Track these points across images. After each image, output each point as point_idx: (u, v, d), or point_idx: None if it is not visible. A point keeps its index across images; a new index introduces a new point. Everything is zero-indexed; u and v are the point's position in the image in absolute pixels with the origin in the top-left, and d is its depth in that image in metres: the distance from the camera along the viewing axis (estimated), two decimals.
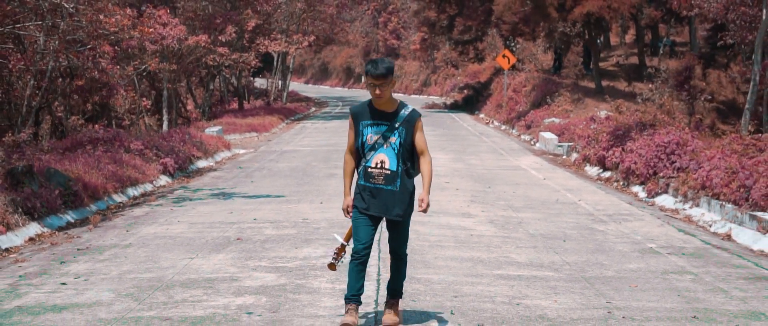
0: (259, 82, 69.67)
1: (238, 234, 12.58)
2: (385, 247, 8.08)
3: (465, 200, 16.41)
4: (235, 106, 49.89)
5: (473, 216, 14.56)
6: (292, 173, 21.19)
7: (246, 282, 9.41)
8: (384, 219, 7.53)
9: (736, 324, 7.99)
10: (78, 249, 11.67)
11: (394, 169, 7.44)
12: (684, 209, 15.99)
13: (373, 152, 7.46)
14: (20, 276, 10.00)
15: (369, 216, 7.48)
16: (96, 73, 25.55)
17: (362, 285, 7.51)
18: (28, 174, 14.59)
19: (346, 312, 7.44)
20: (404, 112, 7.50)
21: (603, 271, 10.29)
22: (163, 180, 20.22)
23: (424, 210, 7.42)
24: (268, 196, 16.92)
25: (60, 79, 25.82)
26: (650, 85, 32.10)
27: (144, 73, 33.42)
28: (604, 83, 38.32)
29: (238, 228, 13.08)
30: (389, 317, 7.62)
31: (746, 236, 13.14)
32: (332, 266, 7.82)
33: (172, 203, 16.37)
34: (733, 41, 28.19)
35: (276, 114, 44.67)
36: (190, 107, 44.61)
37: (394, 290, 7.74)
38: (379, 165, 7.44)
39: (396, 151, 7.44)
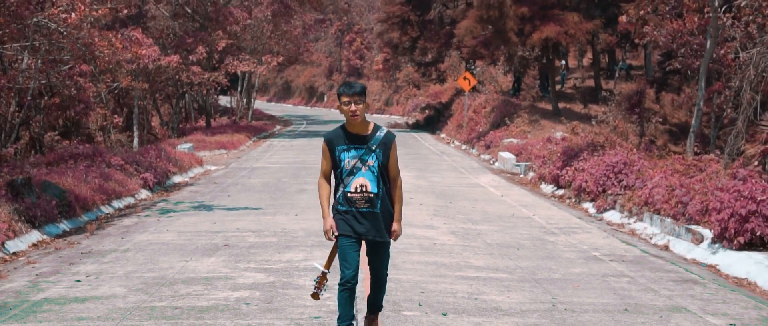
0: (224, 100, 70.83)
1: (225, 241, 13.92)
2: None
3: (428, 214, 17.80)
4: (201, 123, 51.04)
5: (436, 227, 15.97)
6: (265, 188, 22.48)
7: (239, 280, 10.77)
8: (364, 242, 7.60)
9: (660, 315, 9.45)
10: (82, 253, 12.96)
11: (376, 191, 7.45)
12: (629, 223, 17.47)
13: (351, 177, 7.45)
14: (36, 275, 11.30)
15: (354, 239, 7.49)
16: (74, 90, 26.74)
17: (354, 314, 7.59)
18: (27, 186, 15.85)
19: None
20: (380, 135, 7.52)
21: (551, 274, 11.73)
22: (144, 193, 21.45)
23: (395, 239, 7.64)
24: (246, 208, 18.24)
25: (42, 98, 26.95)
26: (604, 108, 33.62)
27: (116, 91, 34.56)
28: (561, 105, 39.93)
29: (224, 236, 14.42)
30: None
31: (682, 247, 14.62)
32: (315, 295, 7.63)
33: (158, 214, 17.66)
34: (680, 67, 29.82)
35: (243, 132, 45.85)
36: (154, 124, 45.71)
37: (374, 305, 7.87)
38: (359, 190, 7.42)
39: (375, 174, 7.45)
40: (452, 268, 11.94)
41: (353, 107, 7.37)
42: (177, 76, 38.36)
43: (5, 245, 13.19)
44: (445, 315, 9.17)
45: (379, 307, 7.91)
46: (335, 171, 7.58)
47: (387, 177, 7.57)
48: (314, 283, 7.71)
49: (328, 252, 7.85)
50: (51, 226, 15.36)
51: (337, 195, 7.56)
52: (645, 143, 27.69)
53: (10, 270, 11.78)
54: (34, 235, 14.47)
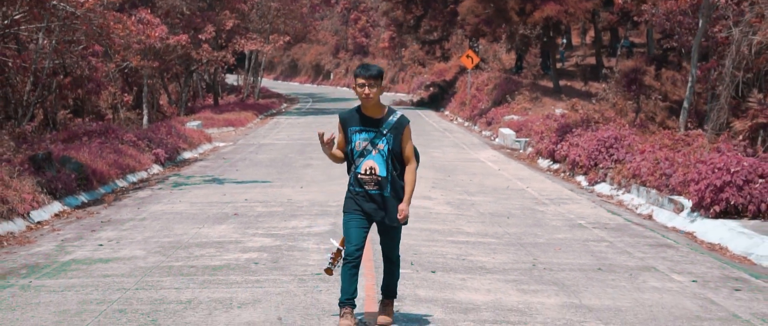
0: (231, 79, 71.75)
1: (234, 211, 14.91)
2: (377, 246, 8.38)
3: (427, 186, 18.74)
4: (209, 101, 52.01)
5: (433, 198, 16.92)
6: (272, 163, 23.45)
7: (248, 244, 11.77)
8: (375, 223, 7.64)
9: (630, 273, 10.40)
10: (102, 222, 13.97)
11: (385, 175, 7.49)
12: (618, 195, 18.39)
13: (362, 159, 7.50)
14: (62, 240, 12.31)
15: (361, 217, 7.54)
16: (87, 70, 27.69)
17: (356, 289, 7.57)
18: (48, 161, 16.83)
19: (342, 315, 7.52)
20: (392, 119, 7.53)
21: (536, 239, 12.68)
22: (156, 168, 22.44)
23: (402, 219, 7.57)
24: (254, 182, 19.22)
25: (55, 77, 27.89)
26: (604, 85, 34.45)
27: (125, 70, 35.51)
28: (563, 83, 40.78)
29: (233, 206, 15.41)
30: (383, 318, 7.82)
31: (664, 216, 15.55)
32: (329, 271, 7.81)
33: (171, 187, 18.65)
34: (676, 45, 30.69)
35: (250, 110, 46.77)
36: (163, 102, 46.62)
37: (388, 291, 7.90)
38: (369, 172, 7.48)
39: (385, 157, 7.48)
40: (445, 234, 12.90)
41: (367, 90, 7.39)
42: (188, 53, 39.22)
43: (30, 215, 14.17)
44: (433, 272, 10.15)
45: (393, 293, 7.91)
46: (347, 151, 7.64)
47: (399, 161, 7.59)
48: (329, 258, 7.78)
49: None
50: (71, 198, 16.33)
51: (350, 175, 7.64)
52: (641, 119, 28.55)
53: (37, 236, 12.78)
54: (56, 206, 15.44)
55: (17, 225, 13.41)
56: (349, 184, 7.66)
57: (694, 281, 10.07)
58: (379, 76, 7.44)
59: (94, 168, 18.46)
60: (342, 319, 7.49)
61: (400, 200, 7.60)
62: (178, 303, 8.53)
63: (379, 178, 7.50)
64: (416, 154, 7.84)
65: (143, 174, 21.11)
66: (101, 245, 11.81)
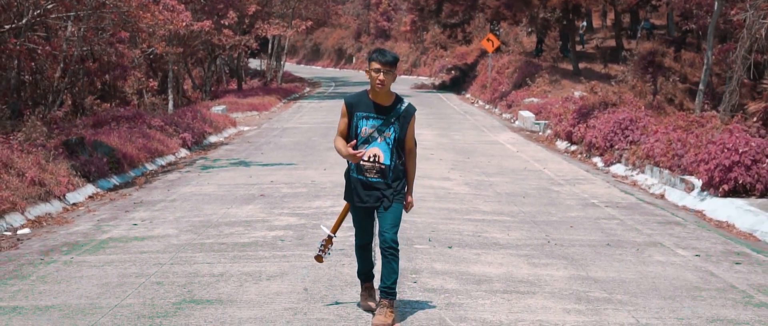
0: (254, 63, 72.40)
1: (261, 192, 15.54)
2: None
3: (446, 168, 19.31)
4: (233, 86, 52.64)
5: (452, 179, 17.50)
6: (296, 146, 24.07)
7: (275, 223, 12.40)
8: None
9: (637, 248, 10.96)
10: (134, 203, 14.63)
11: (388, 163, 7.40)
12: (632, 175, 18.91)
13: (366, 145, 7.37)
14: (98, 220, 12.98)
15: (365, 210, 7.54)
16: (114, 56, 28.37)
17: (372, 264, 7.77)
18: (80, 145, 17.51)
19: (364, 289, 7.84)
20: (400, 107, 7.42)
21: (549, 217, 13.25)
22: (183, 152, 23.10)
23: (407, 210, 7.65)
24: (279, 164, 19.85)
25: (83, 63, 28.59)
26: (623, 68, 34.82)
27: (151, 56, 36.19)
28: (582, 65, 41.16)
29: (260, 188, 16.04)
30: (379, 319, 7.41)
31: (675, 195, 16.08)
32: (319, 258, 7.90)
33: (199, 170, 19.31)
34: (693, 27, 31.06)
35: (273, 94, 47.37)
36: (187, 87, 47.28)
37: (385, 288, 7.50)
38: (372, 159, 7.38)
39: (390, 146, 7.39)
40: (462, 213, 13.49)
41: (382, 77, 7.27)
42: (210, 39, 39.85)
43: (66, 197, 14.85)
44: (450, 247, 10.74)
45: (392, 292, 7.49)
46: (349, 136, 7.50)
47: (402, 149, 7.53)
48: (319, 246, 7.84)
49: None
50: (103, 181, 17.00)
51: (350, 163, 7.54)
52: (657, 101, 28.94)
53: (74, 217, 13.46)
54: (90, 189, 16.11)
55: (54, 207, 14.08)
56: (349, 170, 7.59)
57: (697, 255, 10.62)
58: (394, 62, 7.32)
59: (124, 152, 19.10)
60: (363, 293, 7.82)
61: (403, 186, 7.53)
62: (211, 276, 9.16)
63: (383, 167, 7.40)
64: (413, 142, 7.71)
65: (171, 158, 21.75)
66: (135, 224, 12.46)
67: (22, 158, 14.94)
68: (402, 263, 9.46)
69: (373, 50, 7.39)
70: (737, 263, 10.25)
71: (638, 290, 8.78)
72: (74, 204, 14.77)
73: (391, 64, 7.29)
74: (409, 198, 7.64)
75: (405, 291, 8.51)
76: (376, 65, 7.29)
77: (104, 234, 11.80)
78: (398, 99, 7.47)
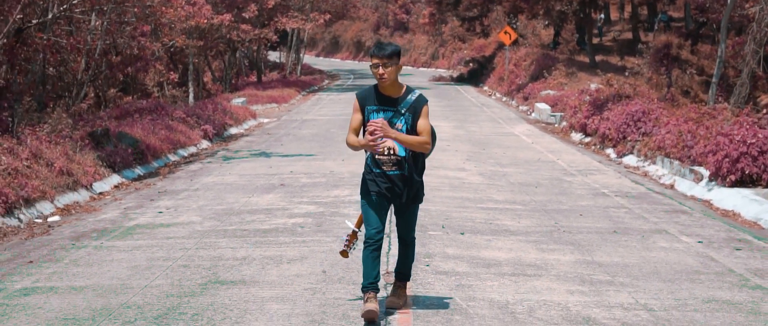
0: (273, 56, 72.95)
1: (281, 181, 16.05)
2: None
3: (462, 159, 19.77)
4: (253, 78, 53.21)
5: (467, 170, 17.96)
6: (315, 138, 24.58)
7: (294, 210, 12.91)
8: (393, 204, 7.58)
9: (642, 235, 11.41)
10: (158, 192, 15.17)
11: (404, 155, 7.37)
12: (643, 166, 19.31)
13: (380, 138, 7.35)
14: (124, 208, 13.52)
15: (380, 200, 7.45)
16: (136, 49, 28.92)
17: (378, 273, 7.49)
18: (106, 136, 18.06)
19: (366, 300, 7.41)
20: (411, 98, 7.39)
21: (559, 206, 13.70)
22: (205, 143, 23.64)
23: (378, 132, 7.26)
24: (298, 155, 20.36)
25: (106, 56, 29.14)
26: (639, 60, 35.16)
27: (171, 49, 36.75)
28: (599, 58, 41.49)
29: (280, 178, 16.55)
30: (393, 300, 7.76)
31: (684, 185, 16.49)
32: (344, 253, 7.89)
33: (220, 160, 19.85)
34: (706, 21, 31.35)
35: (292, 86, 47.89)
36: (207, 79, 47.82)
37: (401, 273, 7.87)
38: (387, 152, 7.36)
39: None
40: (475, 201, 13.96)
41: (381, 70, 7.25)
42: (228, 35, 40.38)
43: (92, 186, 15.40)
44: (462, 234, 11.22)
45: (407, 276, 7.89)
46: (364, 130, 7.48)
47: None
48: (344, 241, 7.87)
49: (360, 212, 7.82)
50: (128, 171, 17.55)
51: (367, 157, 7.54)
52: (671, 93, 29.28)
53: (101, 205, 14.01)
54: (115, 178, 16.66)
55: (82, 196, 14.64)
56: (367, 165, 7.54)
57: (700, 242, 11.06)
58: (394, 54, 7.25)
59: (148, 144, 19.64)
60: (366, 304, 7.35)
61: (420, 179, 7.51)
62: (234, 260, 9.67)
63: (399, 158, 7.37)
64: (433, 136, 7.57)
65: (193, 149, 22.28)
66: (160, 212, 12.99)
67: (51, 149, 15.48)
68: (416, 249, 9.93)
69: (374, 45, 7.36)
70: (738, 249, 10.68)
71: (640, 273, 9.23)
72: (101, 193, 15.31)
73: (389, 56, 7.23)
74: (394, 134, 7.28)
75: (418, 273, 8.99)
76: (374, 60, 7.28)
77: (131, 221, 12.33)
78: (408, 90, 7.43)
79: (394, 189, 7.43)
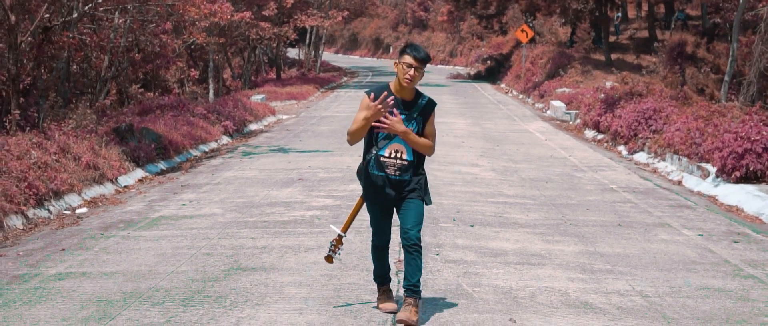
0: (292, 53, 73.53)
1: (299, 176, 16.60)
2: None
3: (475, 155, 20.27)
4: (272, 75, 53.78)
5: (480, 166, 18.47)
6: (333, 134, 25.12)
7: (312, 203, 13.46)
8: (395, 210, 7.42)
9: (645, 228, 11.91)
10: (181, 186, 15.75)
11: (411, 159, 7.23)
12: (653, 163, 19.76)
13: (388, 140, 7.19)
14: (149, 201, 14.11)
15: (382, 207, 7.37)
16: (158, 47, 29.52)
17: (388, 266, 7.62)
18: (130, 132, 18.65)
19: (381, 292, 7.69)
20: (422, 102, 7.27)
21: (568, 201, 14.20)
22: (225, 139, 24.23)
23: (391, 102, 7.11)
24: (316, 151, 20.90)
25: (128, 53, 29.75)
26: (655, 59, 35.52)
27: (192, 46, 37.35)
28: (615, 56, 41.86)
29: (298, 173, 17.10)
30: (404, 315, 7.21)
31: (692, 181, 16.95)
32: (329, 259, 7.81)
33: (240, 156, 20.43)
34: (719, 21, 31.74)
35: (311, 83, 48.41)
36: (226, 76, 48.40)
37: (410, 285, 7.29)
38: (394, 155, 7.18)
39: None
40: (486, 196, 14.47)
41: (413, 72, 7.07)
42: (247, 33, 40.96)
43: (117, 180, 15.99)
44: (472, 226, 11.74)
45: (416, 289, 7.29)
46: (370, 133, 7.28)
47: None
48: (329, 246, 7.77)
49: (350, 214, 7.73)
50: (151, 166, 18.14)
51: (368, 158, 7.30)
52: (684, 91, 29.64)
53: (126, 198, 14.61)
54: (139, 172, 17.25)
55: (108, 189, 15.23)
56: (368, 167, 7.31)
57: (700, 235, 11.55)
58: (427, 60, 7.13)
59: (170, 139, 20.22)
60: (381, 296, 7.67)
61: (424, 183, 7.38)
62: (255, 249, 10.23)
63: (405, 162, 7.20)
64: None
65: (214, 145, 22.85)
66: (184, 205, 13.56)
67: (78, 144, 16.06)
68: (427, 239, 10.49)
69: (407, 44, 7.21)
70: (736, 241, 11.16)
71: (639, 263, 9.73)
72: (125, 186, 15.90)
73: (423, 61, 7.09)
74: (403, 128, 7.11)
75: (428, 262, 9.51)
76: (409, 59, 7.08)
77: (156, 212, 12.91)
78: (419, 94, 7.30)
79: (390, 195, 7.26)
